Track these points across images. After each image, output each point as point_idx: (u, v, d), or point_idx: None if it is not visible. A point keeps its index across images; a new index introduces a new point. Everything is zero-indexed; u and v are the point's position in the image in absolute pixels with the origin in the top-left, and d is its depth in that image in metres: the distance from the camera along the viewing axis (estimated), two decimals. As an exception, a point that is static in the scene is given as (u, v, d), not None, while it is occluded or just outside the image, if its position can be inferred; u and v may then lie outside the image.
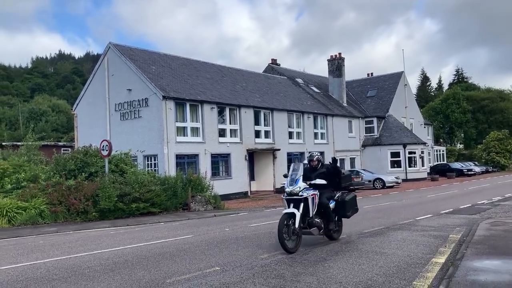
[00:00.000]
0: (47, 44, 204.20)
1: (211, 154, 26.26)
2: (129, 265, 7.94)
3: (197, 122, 25.93)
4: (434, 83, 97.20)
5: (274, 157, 30.71)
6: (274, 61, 43.37)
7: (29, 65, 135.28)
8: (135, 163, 21.95)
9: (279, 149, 30.83)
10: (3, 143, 38.58)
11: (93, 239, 11.72)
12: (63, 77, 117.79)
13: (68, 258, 8.94)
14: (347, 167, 37.24)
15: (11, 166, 19.27)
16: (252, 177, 30.36)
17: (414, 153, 39.34)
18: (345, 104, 41.39)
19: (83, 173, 18.30)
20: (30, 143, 24.22)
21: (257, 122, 29.96)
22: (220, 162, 27.35)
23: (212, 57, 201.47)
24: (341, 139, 37.40)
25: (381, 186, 31.70)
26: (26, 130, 44.44)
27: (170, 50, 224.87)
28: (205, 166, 25.25)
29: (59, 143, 47.41)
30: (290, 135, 32.71)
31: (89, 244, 10.84)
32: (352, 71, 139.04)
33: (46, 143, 36.69)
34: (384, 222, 12.93)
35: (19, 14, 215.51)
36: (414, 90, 78.80)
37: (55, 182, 17.26)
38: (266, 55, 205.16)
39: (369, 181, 32.02)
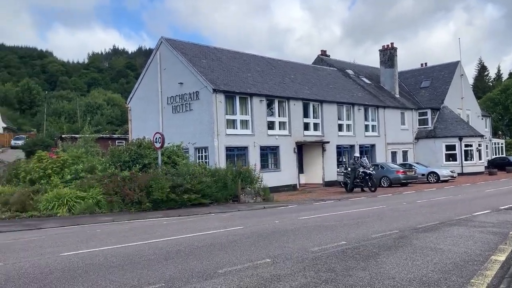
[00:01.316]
0: (104, 39, 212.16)
1: (260, 147, 26.36)
2: (182, 255, 8.13)
3: (246, 114, 26.08)
4: (492, 73, 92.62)
5: (323, 150, 30.39)
6: (323, 52, 42.80)
7: (86, 61, 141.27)
8: (187, 155, 22.44)
9: (328, 142, 30.47)
10: (63, 136, 40.59)
11: (147, 229, 12.10)
12: (117, 72, 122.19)
13: (124, 246, 9.28)
14: (399, 160, 36.26)
15: (70, 157, 20.18)
16: (301, 169, 30.23)
17: (471, 146, 37.69)
18: (397, 96, 40.23)
19: (137, 165, 18.91)
20: (87, 135, 25.25)
21: (306, 115, 29.73)
22: (269, 155, 27.41)
23: (263, 49, 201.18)
24: (393, 132, 36.42)
25: (435, 180, 30.63)
26: (83, 123, 46.45)
27: (222, 43, 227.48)
28: (254, 159, 25.40)
29: (113, 135, 49.24)
30: (340, 127, 32.22)
31: (143, 233, 11.21)
32: (407, 61, 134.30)
33: (101, 135, 38.21)
34: (439, 217, 12.49)
35: (79, 11, 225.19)
36: (471, 81, 75.36)
37: (110, 173, 17.95)
38: (317, 45, 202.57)
39: (423, 174, 31.00)
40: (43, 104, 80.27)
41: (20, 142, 51.86)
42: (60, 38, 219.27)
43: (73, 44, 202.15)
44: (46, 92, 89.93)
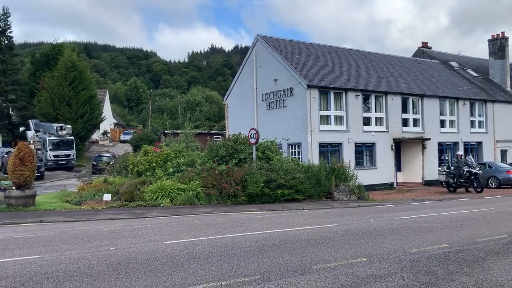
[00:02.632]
0: (204, 38, 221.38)
1: (355, 143, 25.78)
2: (277, 249, 8.26)
3: (341, 110, 25.66)
4: None
5: (424, 147, 28.88)
6: (425, 44, 40.56)
7: (186, 60, 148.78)
8: (280, 150, 22.66)
9: (429, 139, 28.89)
10: (166, 131, 43.18)
11: (242, 222, 12.47)
12: (215, 70, 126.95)
13: (221, 237, 9.66)
14: (510, 159, 33.27)
15: (172, 151, 21.41)
16: (398, 167, 29.04)
17: None
18: (509, 89, 36.87)
19: (233, 159, 19.53)
20: (187, 131, 26.60)
21: (404, 110, 28.46)
22: (364, 152, 26.70)
23: (362, 43, 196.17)
24: (503, 128, 33.48)
25: (552, 182, 27.63)
26: (183, 119, 48.94)
27: (320, 38, 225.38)
28: (348, 155, 24.92)
29: (211, 131, 51.26)
30: (442, 123, 30.37)
31: (239, 226, 11.57)
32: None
33: (200, 131, 39.99)
34: (557, 223, 11.28)
35: (183, 11, 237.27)
36: None
37: (209, 167, 18.73)
38: (421, 37, 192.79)
39: (537, 175, 28.11)
40: (148, 102, 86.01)
41: (128, 137, 56.22)
42: (165, 38, 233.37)
43: (176, 44, 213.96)
44: (151, 90, 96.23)
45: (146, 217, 14.02)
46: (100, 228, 11.54)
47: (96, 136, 57.05)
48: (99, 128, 55.38)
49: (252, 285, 5.87)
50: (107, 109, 63.61)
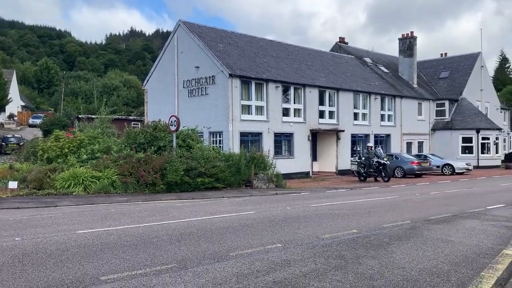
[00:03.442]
0: (124, 19, 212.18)
1: (274, 133, 26.36)
2: (195, 237, 8.26)
3: (261, 100, 26.05)
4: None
5: (338, 138, 30.28)
6: (342, 40, 42.31)
7: (104, 42, 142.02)
8: (201, 139, 22.56)
9: (343, 130, 30.34)
10: (80, 116, 41.04)
11: (160, 210, 12.28)
12: (134, 54, 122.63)
13: (138, 226, 9.46)
14: (415, 151, 35.96)
15: (86, 137, 20.45)
16: (314, 157, 30.21)
17: (488, 139, 37.16)
18: (415, 86, 39.73)
19: (152, 147, 19.11)
20: (103, 116, 25.48)
21: (321, 102, 29.57)
22: (283, 141, 27.41)
23: (286, 34, 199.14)
24: (409, 122, 36.07)
25: (450, 172, 30.37)
26: (99, 103, 46.86)
27: (246, 27, 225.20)
28: (268, 145, 25.45)
29: (129, 117, 49.63)
30: (355, 116, 32.01)
31: (157, 214, 11.38)
32: (432, 51, 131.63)
33: (117, 116, 38.48)
34: (452, 209, 12.44)
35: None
36: (492, 72, 73.92)
37: (126, 154, 18.16)
38: (340, 31, 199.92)
39: (438, 166, 30.73)
40: (60, 84, 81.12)
41: (37, 121, 52.66)
42: (82, 17, 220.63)
43: (94, 24, 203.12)
44: (64, 72, 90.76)
45: (57, 205, 13.31)
46: (4, 218, 10.76)
47: (0, 119, 52.91)
48: (4, 111, 51.34)
49: (168, 273, 5.83)
50: (14, 91, 59.00)
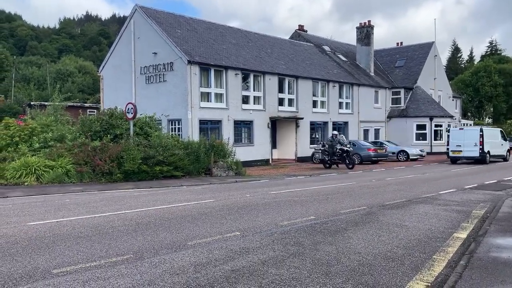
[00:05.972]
0: (78, 3, 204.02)
1: (234, 121, 26.26)
2: (152, 226, 8.12)
3: (221, 88, 25.84)
4: (466, 55, 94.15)
5: (297, 126, 30.54)
6: (301, 28, 42.50)
7: (57, 26, 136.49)
8: (160, 126, 22.16)
9: (302, 118, 30.61)
10: (32, 103, 39.41)
11: (117, 200, 12.00)
12: (90, 39, 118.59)
13: (93, 217, 9.20)
14: (371, 138, 36.82)
15: (39, 125, 19.68)
16: (274, 145, 30.36)
17: (441, 126, 38.52)
18: (372, 74, 40.55)
19: (108, 135, 18.61)
20: (57, 103, 24.55)
21: (281, 90, 29.67)
22: (243, 129, 27.37)
23: (252, 20, 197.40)
24: (366, 110, 36.84)
25: (405, 159, 31.33)
26: (53, 90, 45.22)
27: (211, 14, 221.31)
28: (228, 133, 25.34)
29: (85, 104, 48.12)
30: (314, 104, 32.34)
31: (113, 204, 11.12)
32: (393, 39, 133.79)
33: (72, 103, 37.22)
34: (406, 195, 12.83)
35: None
36: (444, 62, 76.42)
37: (81, 142, 17.62)
38: (305, 18, 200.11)
39: (393, 153, 31.62)
40: (11, 70, 77.50)
41: (-14, 108, 50.14)
42: (34, 0, 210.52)
43: (46, 7, 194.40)
44: (15, 57, 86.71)
45: (7, 196, 12.76)
46: (-51, 211, 10.21)
47: None
48: None
49: (124, 264, 5.70)
50: (-41, 76, 55.89)
